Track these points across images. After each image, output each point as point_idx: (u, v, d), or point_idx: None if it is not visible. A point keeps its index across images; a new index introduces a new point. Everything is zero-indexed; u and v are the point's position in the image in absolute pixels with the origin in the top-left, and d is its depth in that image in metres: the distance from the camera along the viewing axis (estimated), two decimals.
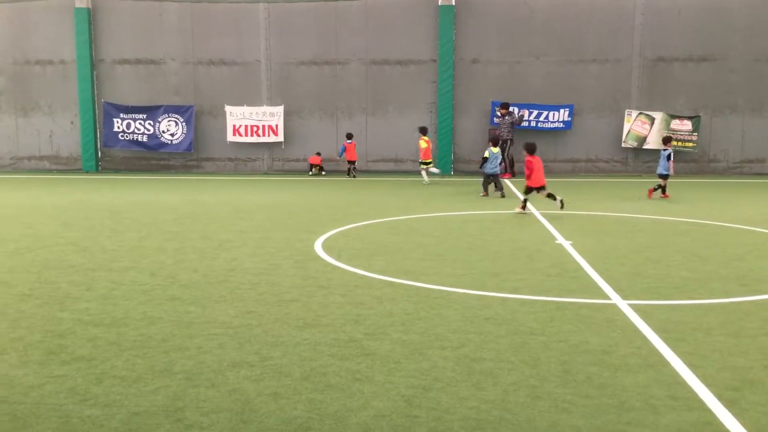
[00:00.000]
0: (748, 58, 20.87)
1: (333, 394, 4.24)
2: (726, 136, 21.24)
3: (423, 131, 18.62)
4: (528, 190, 12.84)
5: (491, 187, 15.70)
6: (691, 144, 21.01)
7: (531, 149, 12.96)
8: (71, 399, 4.19)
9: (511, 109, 20.59)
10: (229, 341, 5.27)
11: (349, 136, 20.45)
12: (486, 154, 15.46)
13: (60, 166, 23.21)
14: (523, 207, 12.70)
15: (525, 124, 21.05)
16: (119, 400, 4.16)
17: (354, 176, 20.58)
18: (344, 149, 20.55)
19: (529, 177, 12.82)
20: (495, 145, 15.58)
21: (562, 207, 12.36)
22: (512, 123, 20.40)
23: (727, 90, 21.06)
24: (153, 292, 6.80)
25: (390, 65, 21.78)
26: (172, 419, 3.90)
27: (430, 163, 18.59)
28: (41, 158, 23.31)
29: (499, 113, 20.62)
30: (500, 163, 15.94)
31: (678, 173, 21.33)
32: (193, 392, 4.28)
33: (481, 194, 15.59)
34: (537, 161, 12.82)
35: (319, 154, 21.66)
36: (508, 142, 20.37)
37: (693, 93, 21.17)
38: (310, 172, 21.67)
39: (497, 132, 20.21)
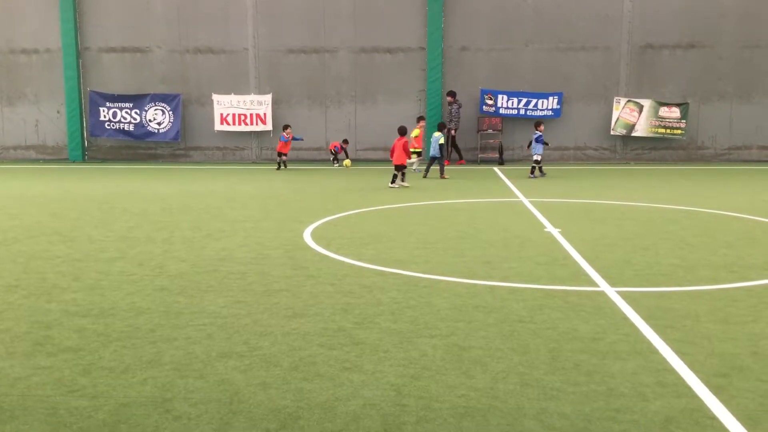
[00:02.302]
0: (737, 45, 20.92)
1: (322, 384, 4.23)
2: (714, 123, 21.33)
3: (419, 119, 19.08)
4: (396, 168, 15.01)
5: (435, 166, 17.21)
6: (679, 131, 21.08)
7: (401, 132, 15.42)
8: (58, 390, 4.16)
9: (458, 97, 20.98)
10: (217, 331, 5.24)
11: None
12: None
13: (46, 155, 23.02)
14: (393, 182, 14.94)
15: (514, 112, 21.09)
16: (107, 391, 4.13)
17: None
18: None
19: (392, 155, 15.13)
20: (440, 131, 17.21)
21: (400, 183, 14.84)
22: (459, 110, 20.76)
23: (716, 77, 21.13)
24: (141, 282, 6.76)
25: (379, 53, 21.69)
26: (161, 410, 3.88)
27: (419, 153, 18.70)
28: (27, 148, 23.11)
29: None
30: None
31: (666, 160, 21.47)
32: (181, 383, 4.26)
33: (439, 177, 16.96)
34: (398, 143, 14.96)
35: (346, 141, 20.99)
36: (450, 130, 20.72)
37: (681, 80, 21.22)
38: (336, 163, 20.80)
39: (446, 119, 20.92)
